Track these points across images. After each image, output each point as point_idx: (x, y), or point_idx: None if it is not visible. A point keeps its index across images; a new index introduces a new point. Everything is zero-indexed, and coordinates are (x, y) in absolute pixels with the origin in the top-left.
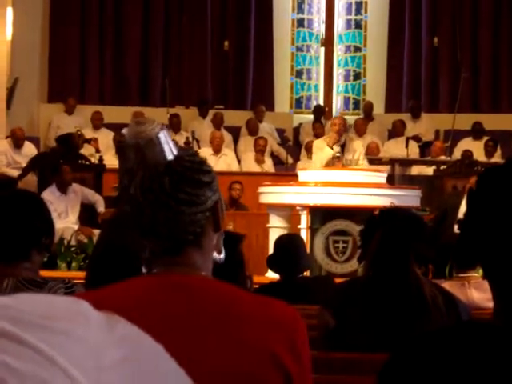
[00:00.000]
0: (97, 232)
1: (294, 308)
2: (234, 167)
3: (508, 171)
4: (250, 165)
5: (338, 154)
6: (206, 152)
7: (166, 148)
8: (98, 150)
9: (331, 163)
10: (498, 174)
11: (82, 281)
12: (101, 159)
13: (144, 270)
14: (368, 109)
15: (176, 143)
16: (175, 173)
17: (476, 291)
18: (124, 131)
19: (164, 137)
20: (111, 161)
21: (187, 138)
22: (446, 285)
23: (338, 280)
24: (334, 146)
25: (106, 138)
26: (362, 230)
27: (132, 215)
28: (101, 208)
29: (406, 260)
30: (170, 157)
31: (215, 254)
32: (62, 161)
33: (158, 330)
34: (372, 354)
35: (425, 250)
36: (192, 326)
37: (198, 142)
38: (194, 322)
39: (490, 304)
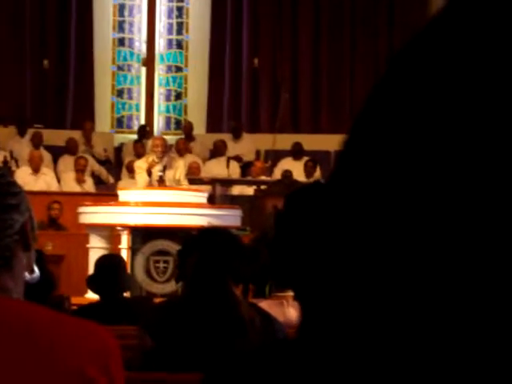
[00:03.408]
0: None
1: (107, 329)
2: (54, 187)
3: (313, 193)
4: (69, 184)
5: (160, 174)
6: (24, 171)
7: None
8: None
9: (154, 182)
10: (304, 196)
11: None
12: None
13: None
14: (188, 129)
15: None
16: None
17: (294, 309)
18: None
19: None
20: None
21: (5, 157)
22: (265, 304)
23: (158, 300)
24: (155, 169)
25: None
26: (179, 250)
27: None
28: None
29: (223, 279)
30: None
31: (27, 274)
32: None
33: None
34: (188, 375)
35: (242, 269)
36: (1, 351)
37: (16, 161)
38: (3, 347)
39: None
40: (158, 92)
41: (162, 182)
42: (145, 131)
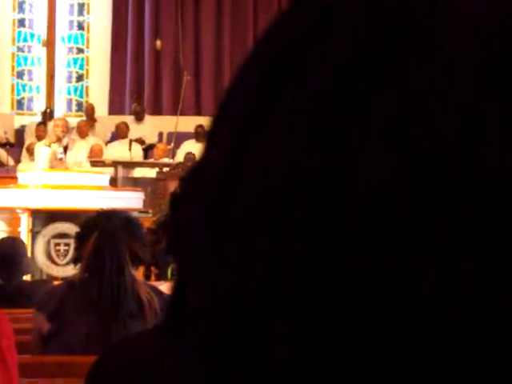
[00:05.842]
0: None
1: (2, 312)
2: None
3: None
4: None
5: (60, 156)
6: None
7: None
8: None
9: (54, 164)
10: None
11: None
12: None
13: None
14: (90, 111)
15: None
16: None
17: None
18: None
19: None
20: None
21: None
22: (166, 286)
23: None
24: (54, 145)
25: None
26: (77, 232)
27: None
28: None
29: (121, 261)
30: None
31: None
32: None
33: None
34: (85, 357)
35: (140, 251)
36: None
37: None
38: None
39: None
40: (59, 74)
41: (62, 163)
42: (47, 114)
